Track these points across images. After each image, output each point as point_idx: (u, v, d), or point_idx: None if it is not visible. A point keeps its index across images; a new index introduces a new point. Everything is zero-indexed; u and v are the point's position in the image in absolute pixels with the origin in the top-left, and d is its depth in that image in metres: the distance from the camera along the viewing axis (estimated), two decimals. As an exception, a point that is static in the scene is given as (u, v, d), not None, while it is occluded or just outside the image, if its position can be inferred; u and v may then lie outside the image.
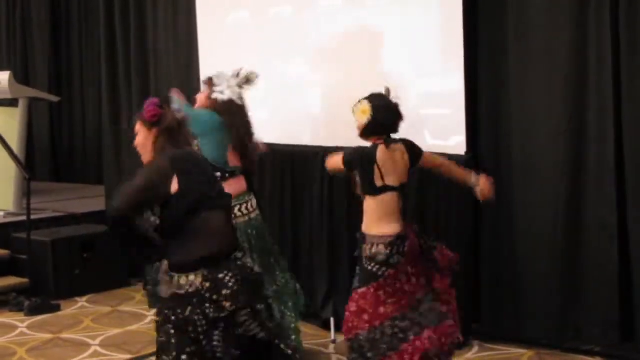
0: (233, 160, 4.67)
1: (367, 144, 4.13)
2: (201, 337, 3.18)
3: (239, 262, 3.29)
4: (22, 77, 9.12)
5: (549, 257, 4.91)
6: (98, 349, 5.35)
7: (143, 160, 3.44)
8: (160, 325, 3.28)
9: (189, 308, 3.18)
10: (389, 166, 4.03)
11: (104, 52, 7.50)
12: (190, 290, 3.20)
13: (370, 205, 4.07)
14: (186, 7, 6.66)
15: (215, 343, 3.18)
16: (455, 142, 5.12)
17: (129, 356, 5.19)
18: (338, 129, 5.20)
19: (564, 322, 4.90)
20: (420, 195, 5.24)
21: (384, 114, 4.08)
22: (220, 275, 3.21)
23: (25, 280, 6.47)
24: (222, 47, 6.25)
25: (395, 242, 3.99)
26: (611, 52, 4.62)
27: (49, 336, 5.62)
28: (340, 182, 5.51)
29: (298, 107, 5.83)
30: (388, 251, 3.97)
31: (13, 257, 6.69)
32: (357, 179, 4.11)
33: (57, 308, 6.25)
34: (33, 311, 6.10)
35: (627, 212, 4.69)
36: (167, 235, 3.29)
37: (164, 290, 3.31)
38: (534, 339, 5.02)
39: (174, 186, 3.22)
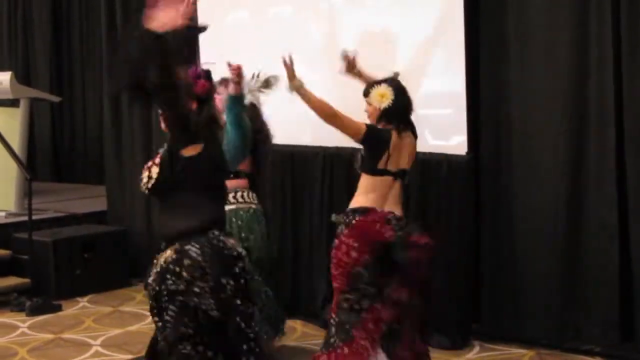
0: (242, 166, 4.53)
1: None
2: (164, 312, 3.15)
3: (211, 236, 3.17)
4: (23, 77, 9.11)
5: (549, 257, 4.91)
6: (99, 349, 5.35)
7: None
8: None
9: (161, 284, 3.16)
10: (396, 154, 4.01)
11: (105, 51, 7.50)
12: (164, 266, 3.16)
13: (362, 181, 4.05)
14: (186, 7, 6.65)
15: (167, 317, 3.13)
16: (456, 142, 5.12)
17: (130, 356, 5.19)
18: (338, 129, 5.20)
19: (564, 322, 4.90)
20: (422, 193, 5.24)
21: (403, 98, 4.04)
22: (187, 247, 3.12)
23: (26, 280, 6.46)
24: (222, 47, 6.23)
25: (347, 214, 3.97)
26: (612, 52, 4.62)
27: (50, 336, 5.62)
28: (341, 182, 5.52)
29: (298, 107, 5.81)
30: (341, 218, 3.97)
31: (14, 257, 6.68)
32: (362, 153, 4.07)
33: (58, 308, 6.24)
34: (34, 311, 6.09)
35: (627, 212, 4.69)
36: (158, 196, 3.24)
37: (152, 275, 3.26)
38: (534, 339, 5.02)
39: (190, 151, 3.15)
